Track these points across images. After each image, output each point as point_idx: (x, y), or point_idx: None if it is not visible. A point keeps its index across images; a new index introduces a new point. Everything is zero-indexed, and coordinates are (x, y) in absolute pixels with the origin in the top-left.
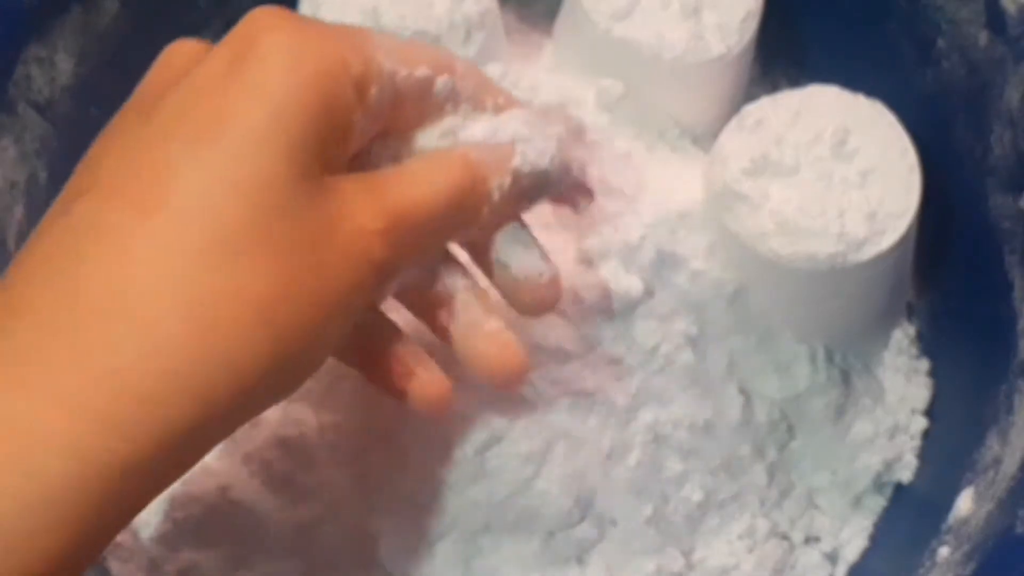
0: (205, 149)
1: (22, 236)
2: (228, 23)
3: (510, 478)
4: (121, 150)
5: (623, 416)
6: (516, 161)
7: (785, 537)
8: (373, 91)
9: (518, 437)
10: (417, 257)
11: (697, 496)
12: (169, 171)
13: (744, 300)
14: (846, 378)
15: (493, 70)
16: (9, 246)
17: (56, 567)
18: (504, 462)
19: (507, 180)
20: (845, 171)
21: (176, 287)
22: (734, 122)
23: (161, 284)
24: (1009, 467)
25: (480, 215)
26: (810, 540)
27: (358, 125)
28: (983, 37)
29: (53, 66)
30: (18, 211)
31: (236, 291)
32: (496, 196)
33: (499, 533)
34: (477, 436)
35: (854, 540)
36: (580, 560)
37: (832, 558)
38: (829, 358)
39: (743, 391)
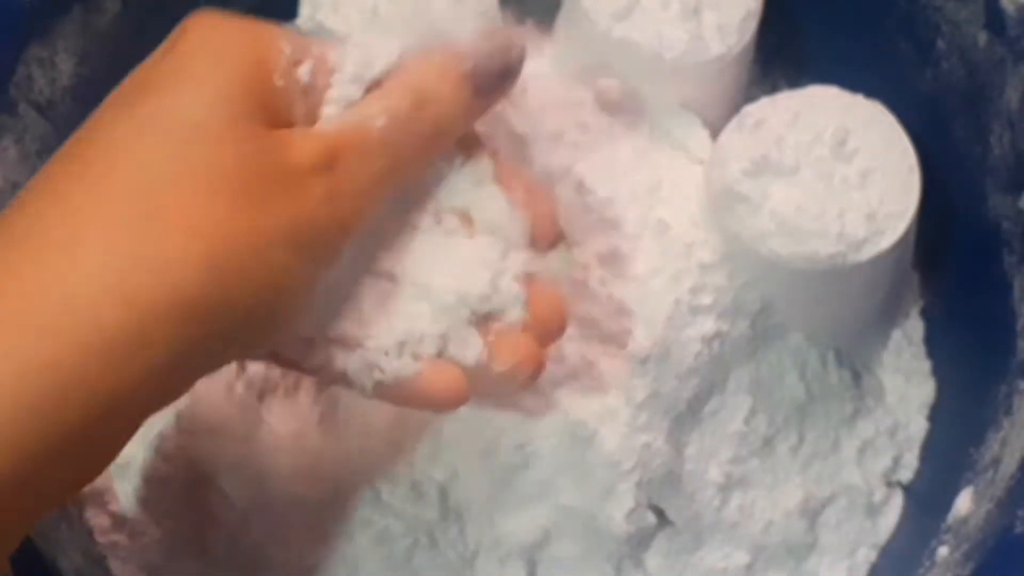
0: (132, 107)
1: None
2: None
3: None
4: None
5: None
6: (464, 60)
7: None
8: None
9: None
10: (377, 194)
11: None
12: (101, 129)
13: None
14: (856, 380)
15: None
16: None
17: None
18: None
19: (456, 82)
20: (845, 171)
21: (109, 215)
22: (734, 122)
23: (96, 212)
24: (1008, 467)
25: (441, 130)
26: (816, 540)
27: (290, 89)
28: (982, 38)
29: (54, 66)
30: None
31: (163, 211)
32: (455, 107)
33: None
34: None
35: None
36: None
37: (836, 557)
38: (839, 360)
39: (753, 393)
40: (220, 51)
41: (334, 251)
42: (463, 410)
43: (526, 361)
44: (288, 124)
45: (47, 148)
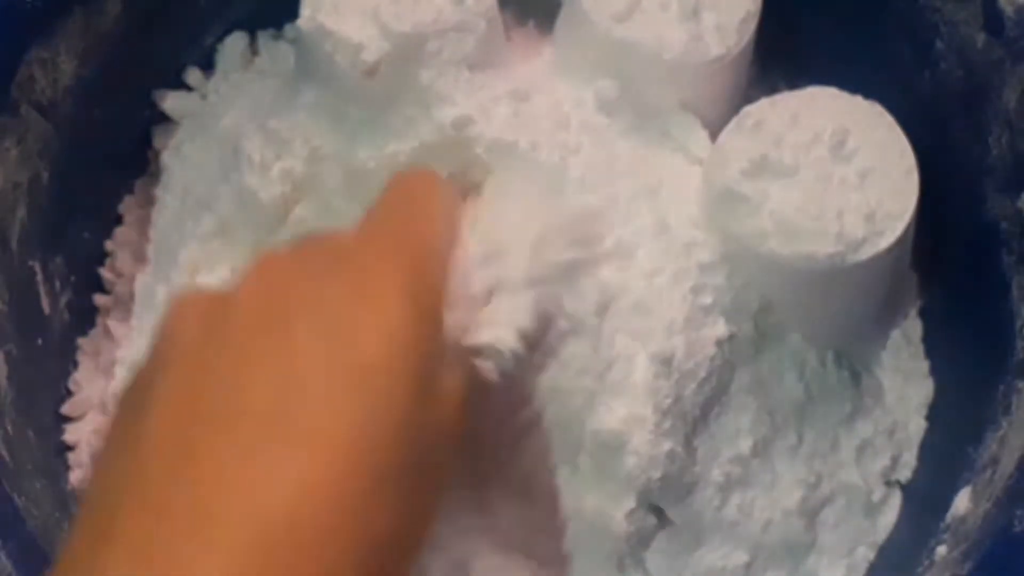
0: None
1: (25, 236)
2: (229, 23)
3: None
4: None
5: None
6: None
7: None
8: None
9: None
10: None
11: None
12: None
13: (764, 313)
14: (855, 379)
15: (493, 70)
16: (12, 246)
17: None
18: None
19: None
20: (844, 172)
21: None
22: (733, 123)
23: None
24: (1007, 467)
25: None
26: (815, 539)
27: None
28: (981, 39)
29: (56, 67)
30: (20, 211)
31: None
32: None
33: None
34: None
35: (856, 538)
36: None
37: (835, 556)
38: (838, 360)
39: (753, 394)
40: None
41: None
42: None
43: None
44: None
45: (48, 149)
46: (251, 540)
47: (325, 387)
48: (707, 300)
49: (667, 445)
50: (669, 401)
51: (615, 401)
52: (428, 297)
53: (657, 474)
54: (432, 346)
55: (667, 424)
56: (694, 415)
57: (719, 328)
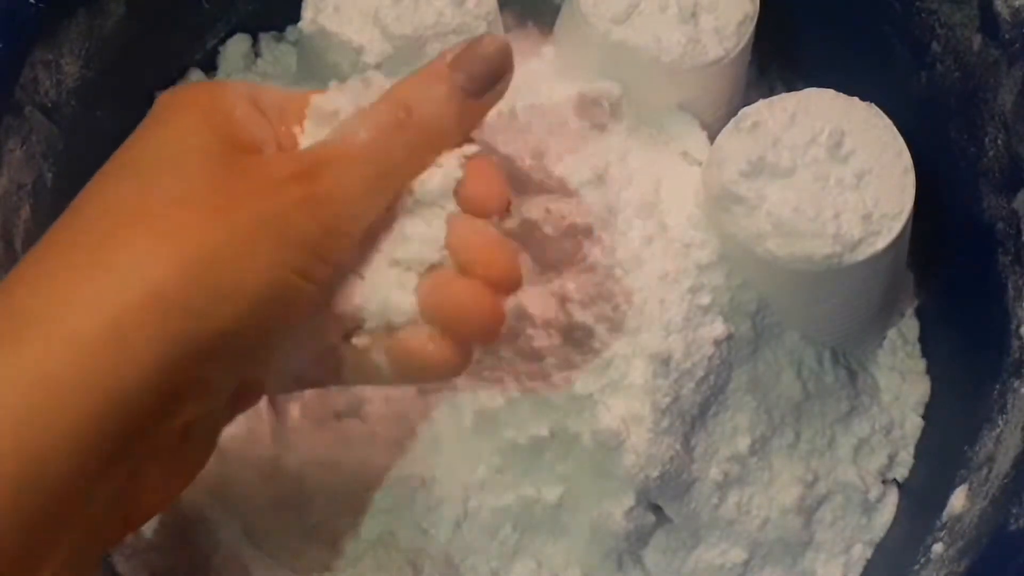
0: (115, 158)
1: (29, 237)
2: (232, 25)
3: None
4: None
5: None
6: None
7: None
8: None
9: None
10: (369, 200)
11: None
12: (92, 181)
13: (762, 313)
14: (852, 378)
15: None
16: (16, 247)
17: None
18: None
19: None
20: (841, 173)
21: (83, 244)
22: (731, 125)
23: (73, 246)
24: (1003, 465)
25: (431, 134)
26: (812, 537)
27: (253, 122)
28: (977, 41)
29: (59, 69)
30: (24, 212)
31: (126, 228)
32: (443, 110)
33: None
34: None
35: (853, 536)
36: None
37: (832, 554)
38: (835, 359)
39: (751, 393)
40: (184, 103)
41: (330, 254)
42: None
43: (467, 306)
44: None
45: (52, 150)
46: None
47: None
48: (705, 300)
49: (665, 444)
50: (667, 400)
51: (613, 400)
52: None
53: (655, 472)
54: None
55: (665, 423)
56: (692, 414)
57: (717, 328)
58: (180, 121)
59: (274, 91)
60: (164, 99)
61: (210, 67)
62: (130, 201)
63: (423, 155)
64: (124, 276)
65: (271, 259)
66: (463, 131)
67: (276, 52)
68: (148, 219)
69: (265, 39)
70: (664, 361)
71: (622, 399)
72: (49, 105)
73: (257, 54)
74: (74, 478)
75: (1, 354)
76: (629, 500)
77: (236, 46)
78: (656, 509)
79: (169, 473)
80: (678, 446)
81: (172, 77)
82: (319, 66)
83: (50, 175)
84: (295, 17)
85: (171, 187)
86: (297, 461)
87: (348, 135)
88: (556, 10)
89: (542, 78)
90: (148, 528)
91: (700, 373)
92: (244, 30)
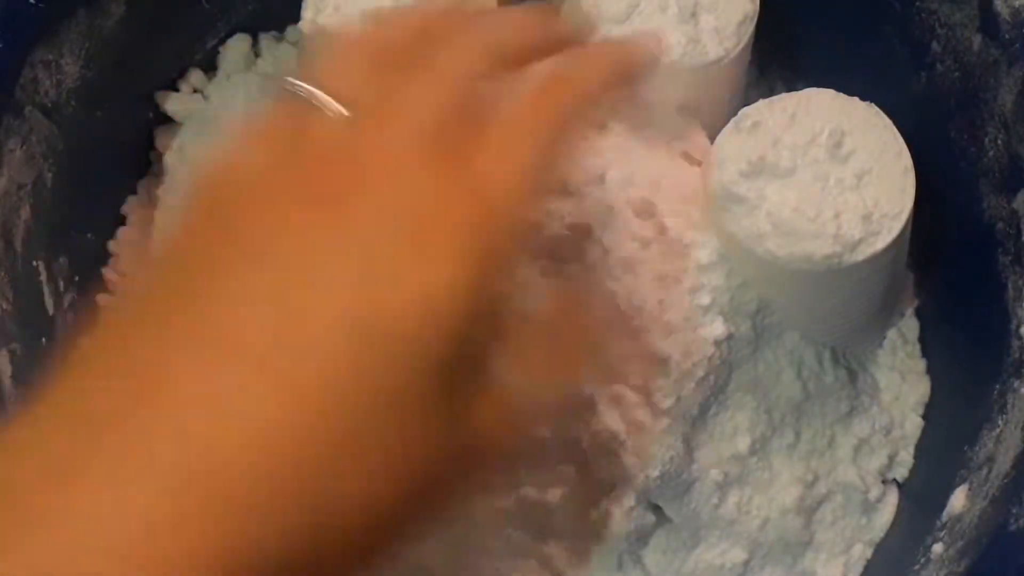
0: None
1: (29, 237)
2: (232, 25)
3: None
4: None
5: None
6: None
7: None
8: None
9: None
10: None
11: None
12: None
13: (762, 313)
14: (852, 378)
15: None
16: (16, 246)
17: None
18: None
19: None
20: (841, 173)
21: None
22: (731, 125)
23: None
24: (1003, 465)
25: None
26: (812, 537)
27: None
28: (977, 41)
29: (59, 69)
30: (25, 212)
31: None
32: None
33: None
34: None
35: (853, 536)
36: None
37: (832, 554)
38: (835, 359)
39: (751, 392)
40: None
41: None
42: None
43: None
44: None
45: (52, 150)
46: (191, 475)
47: (326, 330)
48: (705, 300)
49: (665, 444)
50: (667, 400)
51: (613, 400)
52: (493, 257)
53: (655, 472)
54: (475, 329)
55: (665, 423)
56: (692, 414)
57: (717, 328)
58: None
59: None
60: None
61: (210, 67)
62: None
63: None
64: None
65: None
66: None
67: (276, 52)
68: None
69: (265, 39)
70: (664, 361)
71: (622, 399)
72: (49, 105)
73: (257, 54)
74: None
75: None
76: (629, 500)
77: (236, 46)
78: (656, 509)
79: None
80: (678, 446)
81: (172, 77)
82: None
83: (50, 175)
84: (295, 17)
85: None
86: None
87: None
88: (556, 10)
89: None
90: None
91: (700, 373)
92: (244, 30)
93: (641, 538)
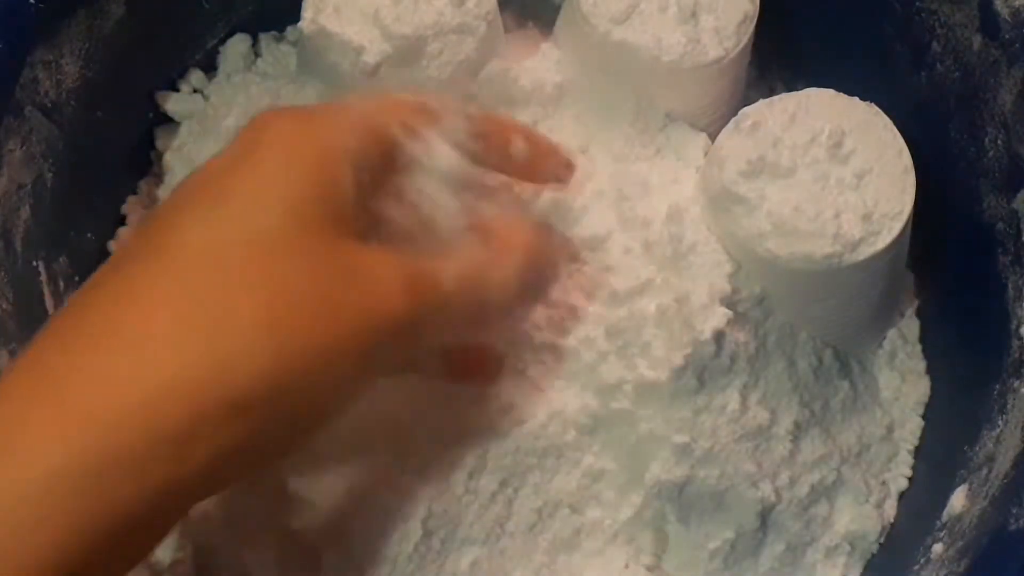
0: (210, 212)
1: (29, 237)
2: (232, 25)
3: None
4: (142, 222)
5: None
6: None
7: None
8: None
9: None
10: (450, 324)
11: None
12: (178, 231)
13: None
14: (852, 378)
15: (494, 67)
16: (16, 246)
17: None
18: None
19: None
20: (841, 173)
21: (182, 316)
22: (731, 125)
23: (169, 314)
24: (1002, 465)
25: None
26: (813, 537)
27: (355, 192)
28: (977, 41)
29: (59, 69)
30: (24, 212)
31: (234, 313)
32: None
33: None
34: None
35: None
36: None
37: (832, 554)
38: (836, 357)
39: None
40: (290, 159)
41: (394, 369)
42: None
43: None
44: (349, 225)
45: (52, 150)
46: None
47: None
48: (705, 300)
49: (666, 443)
50: (667, 401)
51: (613, 400)
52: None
53: (656, 472)
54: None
55: (665, 423)
56: (692, 414)
57: (717, 328)
58: (286, 186)
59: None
60: (269, 136)
61: (210, 67)
62: (238, 278)
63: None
64: (219, 374)
65: (351, 373)
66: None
67: (276, 52)
68: (255, 309)
69: (265, 39)
70: (664, 361)
71: (622, 399)
72: (49, 105)
73: (257, 54)
74: None
75: (75, 420)
76: (634, 500)
77: (236, 46)
78: (657, 508)
79: None
80: (678, 445)
81: (172, 77)
82: (319, 66)
83: (50, 175)
84: (295, 17)
85: (279, 276)
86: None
87: (439, 274)
88: (556, 10)
89: (541, 76)
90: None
91: (700, 373)
92: (244, 30)
93: (642, 537)
